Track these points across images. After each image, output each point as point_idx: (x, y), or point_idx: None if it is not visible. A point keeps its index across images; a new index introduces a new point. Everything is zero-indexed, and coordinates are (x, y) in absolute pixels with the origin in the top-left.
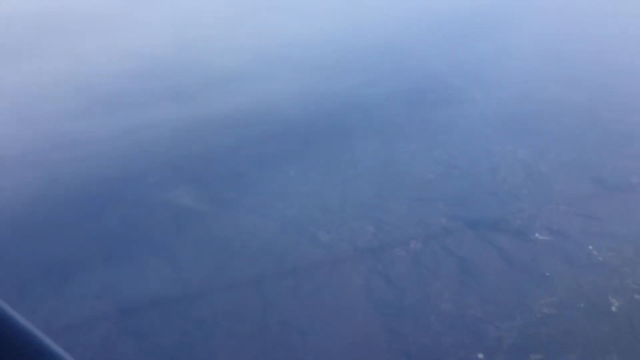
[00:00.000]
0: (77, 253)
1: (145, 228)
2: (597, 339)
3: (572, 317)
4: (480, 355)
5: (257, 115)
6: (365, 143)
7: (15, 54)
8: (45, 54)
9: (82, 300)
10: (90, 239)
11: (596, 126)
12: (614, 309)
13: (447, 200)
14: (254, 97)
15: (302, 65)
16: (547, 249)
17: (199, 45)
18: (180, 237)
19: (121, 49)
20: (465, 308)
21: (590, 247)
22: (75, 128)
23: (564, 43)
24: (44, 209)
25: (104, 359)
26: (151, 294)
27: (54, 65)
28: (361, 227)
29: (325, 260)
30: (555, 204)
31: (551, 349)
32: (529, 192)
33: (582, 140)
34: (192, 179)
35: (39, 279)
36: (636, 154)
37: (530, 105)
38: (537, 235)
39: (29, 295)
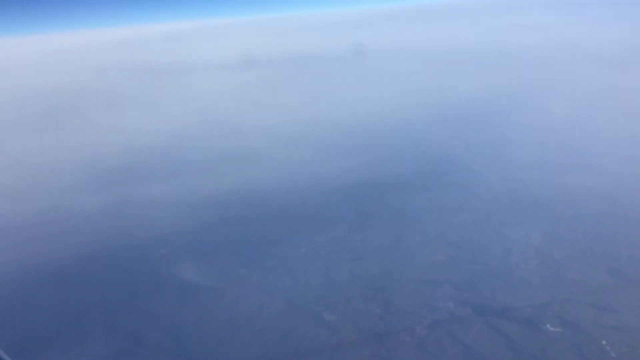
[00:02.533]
0: (80, 324)
1: (151, 302)
2: None
3: None
4: None
5: (269, 192)
6: (378, 223)
7: (35, 128)
8: (62, 128)
9: None
10: (95, 312)
11: (614, 215)
12: None
13: (456, 284)
14: (267, 174)
15: (319, 145)
16: (558, 342)
17: (210, 122)
18: (185, 312)
19: (135, 125)
20: None
21: (604, 341)
22: (78, 201)
23: (580, 131)
24: (41, 281)
25: None
26: None
27: (68, 140)
28: (367, 309)
29: (329, 342)
30: (569, 293)
31: None
32: (542, 279)
33: (598, 228)
34: (200, 254)
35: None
36: None
37: (546, 190)
38: (548, 326)
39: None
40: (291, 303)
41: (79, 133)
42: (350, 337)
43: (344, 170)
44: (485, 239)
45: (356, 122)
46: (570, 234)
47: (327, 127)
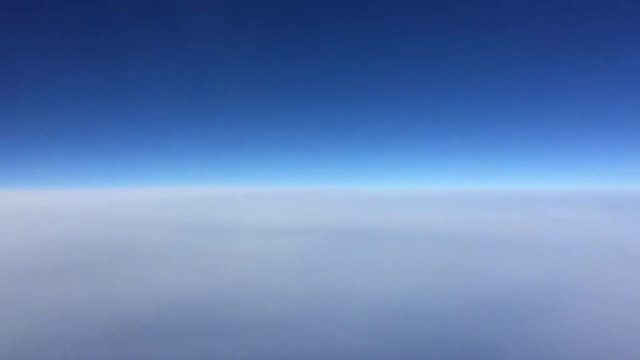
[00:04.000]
0: None
1: None
2: None
3: None
4: None
5: None
6: None
7: (74, 275)
8: (96, 279)
9: None
10: None
11: None
12: None
13: None
14: (281, 345)
15: (347, 320)
16: None
17: (242, 286)
18: None
19: (171, 280)
20: None
21: None
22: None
23: (624, 332)
24: None
25: None
26: None
27: (98, 290)
28: None
29: None
30: None
31: None
32: None
33: None
34: None
35: None
36: None
37: None
38: None
39: None
40: None
41: (112, 285)
42: None
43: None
44: None
45: (387, 302)
46: None
47: (362, 304)
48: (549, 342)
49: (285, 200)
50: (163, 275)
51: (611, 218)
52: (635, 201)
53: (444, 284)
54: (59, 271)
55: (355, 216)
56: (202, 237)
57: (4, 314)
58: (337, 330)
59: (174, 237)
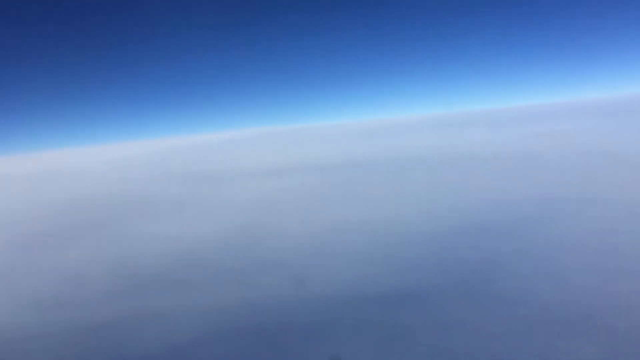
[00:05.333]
0: None
1: None
2: None
3: None
4: None
5: (284, 300)
6: (420, 339)
7: (74, 235)
8: (103, 236)
9: None
10: None
11: None
12: None
13: None
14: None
15: (348, 253)
16: None
17: (245, 230)
18: None
19: (175, 232)
20: None
21: None
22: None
23: (618, 234)
24: None
25: None
26: None
27: (107, 247)
28: None
29: None
30: None
31: None
32: None
33: None
34: None
35: None
36: None
37: (598, 300)
38: None
39: None
40: None
41: (118, 240)
42: None
43: (378, 279)
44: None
45: (390, 230)
46: (629, 347)
47: (358, 235)
48: (542, 250)
49: (273, 142)
50: (164, 228)
51: (605, 126)
52: (630, 107)
53: (441, 206)
54: (66, 232)
55: (349, 150)
56: (197, 187)
57: (28, 274)
58: (338, 262)
59: (170, 189)
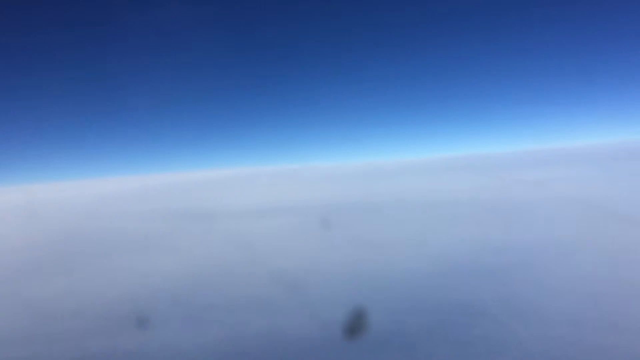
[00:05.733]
0: None
1: None
2: None
3: None
4: None
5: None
6: None
7: (53, 272)
8: (79, 271)
9: None
10: None
11: None
12: None
13: None
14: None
15: (330, 293)
16: None
17: (227, 267)
18: None
19: (156, 268)
20: None
21: None
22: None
23: (601, 284)
24: None
25: None
26: None
27: (83, 283)
28: None
29: None
30: None
31: None
32: None
33: None
34: None
35: None
36: None
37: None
38: None
39: None
40: None
41: (96, 276)
42: None
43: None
44: None
45: (373, 271)
46: None
47: (343, 276)
48: (522, 300)
49: (268, 181)
50: (147, 264)
51: (590, 174)
52: (616, 154)
53: (424, 251)
54: (42, 266)
55: (339, 191)
56: (184, 224)
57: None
58: (320, 302)
59: (157, 225)
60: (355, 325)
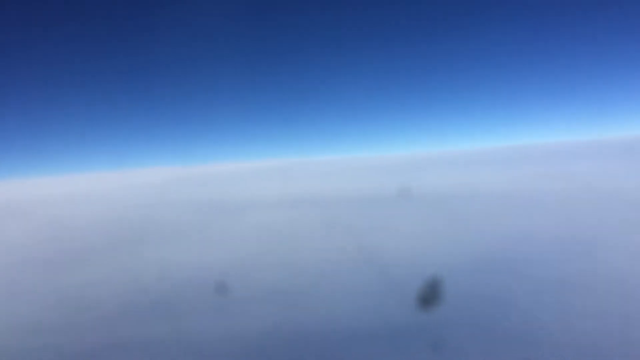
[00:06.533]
0: None
1: None
2: None
3: None
4: None
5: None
6: None
7: (82, 260)
8: (105, 262)
9: None
10: None
11: None
12: None
13: None
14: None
15: (353, 286)
16: None
17: (252, 258)
18: None
19: (189, 259)
20: None
21: None
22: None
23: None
24: None
25: None
26: None
27: (103, 273)
28: None
29: None
30: None
31: None
32: None
33: None
34: None
35: None
36: None
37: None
38: None
39: None
40: None
41: (125, 265)
42: None
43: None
44: None
45: (393, 266)
46: None
47: (365, 269)
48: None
49: (283, 174)
50: (181, 254)
51: (614, 167)
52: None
53: (443, 243)
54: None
55: (356, 184)
56: (213, 215)
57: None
58: (343, 296)
59: (186, 216)
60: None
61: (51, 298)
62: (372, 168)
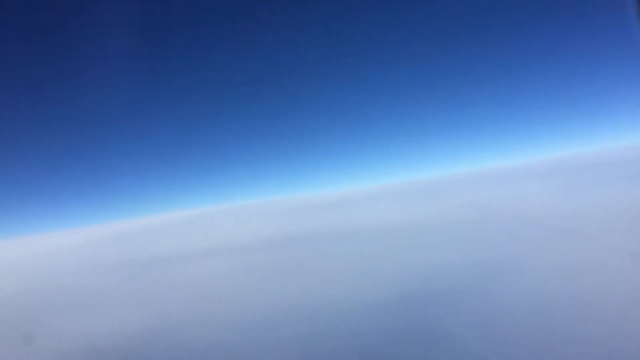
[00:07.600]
0: None
1: None
2: None
3: None
4: None
5: None
6: None
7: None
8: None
9: None
10: None
11: None
12: None
13: None
14: None
15: (298, 334)
16: None
17: (191, 314)
18: None
19: (105, 325)
20: None
21: None
22: None
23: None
24: None
25: None
26: None
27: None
28: None
29: None
30: None
31: None
32: None
33: None
34: None
35: None
36: None
37: None
38: None
39: None
40: None
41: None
42: None
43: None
44: None
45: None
46: None
47: (310, 312)
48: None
49: (230, 219)
50: (97, 321)
51: (524, 191)
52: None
53: (364, 280)
54: None
55: (289, 225)
56: (136, 274)
57: None
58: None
59: (105, 279)
60: None
61: None
62: (299, 208)
